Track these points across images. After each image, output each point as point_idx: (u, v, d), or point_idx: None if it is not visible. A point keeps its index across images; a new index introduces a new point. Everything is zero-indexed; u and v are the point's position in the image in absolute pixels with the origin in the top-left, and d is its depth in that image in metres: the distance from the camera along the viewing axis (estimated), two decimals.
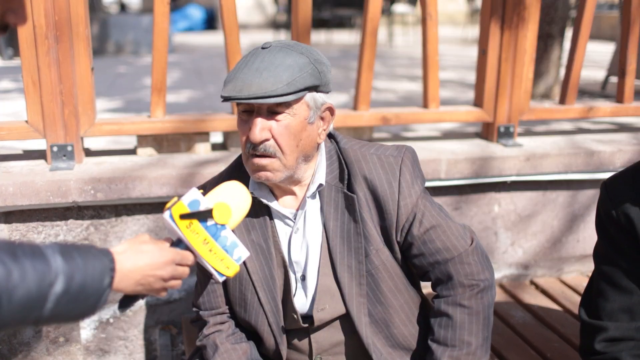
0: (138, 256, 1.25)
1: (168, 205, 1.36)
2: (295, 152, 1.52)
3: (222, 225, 1.36)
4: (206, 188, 1.69)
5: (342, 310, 1.65)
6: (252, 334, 1.76)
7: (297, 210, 1.64)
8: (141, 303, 2.60)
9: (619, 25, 4.70)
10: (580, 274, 3.10)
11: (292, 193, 1.64)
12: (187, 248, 1.35)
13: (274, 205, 1.63)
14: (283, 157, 1.51)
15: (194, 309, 1.79)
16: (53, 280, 1.07)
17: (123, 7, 18.72)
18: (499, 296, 2.84)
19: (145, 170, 2.47)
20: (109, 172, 2.43)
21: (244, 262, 1.64)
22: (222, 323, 1.74)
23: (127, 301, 1.34)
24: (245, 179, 1.62)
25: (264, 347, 1.72)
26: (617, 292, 1.59)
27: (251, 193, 1.59)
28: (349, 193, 1.61)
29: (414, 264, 1.68)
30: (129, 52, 9.11)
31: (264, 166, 1.52)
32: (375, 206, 1.62)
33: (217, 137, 3.03)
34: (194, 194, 1.37)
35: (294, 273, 1.67)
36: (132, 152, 2.75)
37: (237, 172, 1.69)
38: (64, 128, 2.46)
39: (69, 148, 2.48)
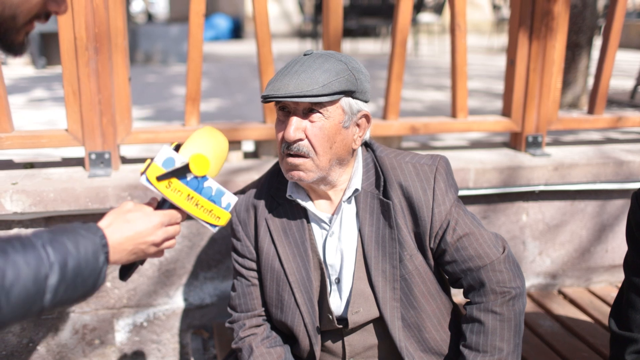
0: (125, 226, 1.24)
1: (142, 169, 1.32)
2: (329, 153, 1.57)
3: (203, 177, 1.33)
4: (245, 193, 1.75)
5: (376, 314, 1.69)
6: (286, 335, 1.81)
7: (333, 214, 1.69)
8: (165, 310, 2.66)
9: None
10: (609, 284, 3.09)
11: (328, 198, 1.69)
12: (173, 206, 1.32)
13: (310, 208, 1.68)
14: (316, 157, 1.56)
15: (230, 311, 1.84)
16: (47, 271, 1.07)
17: (150, 17, 18.99)
18: (527, 305, 2.84)
19: None
20: None
21: (281, 264, 1.69)
22: (258, 326, 1.79)
23: (125, 270, 1.34)
24: (283, 184, 1.69)
25: (299, 348, 1.76)
26: None
27: (289, 196, 1.66)
28: (385, 199, 1.66)
29: (447, 270, 1.71)
30: (158, 61, 9.26)
31: (297, 165, 1.57)
32: (410, 213, 1.66)
33: (248, 146, 3.09)
34: (167, 151, 1.32)
35: (329, 276, 1.71)
36: None
37: (275, 177, 1.75)
38: (102, 136, 2.54)
39: (107, 156, 2.55)
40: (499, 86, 6.28)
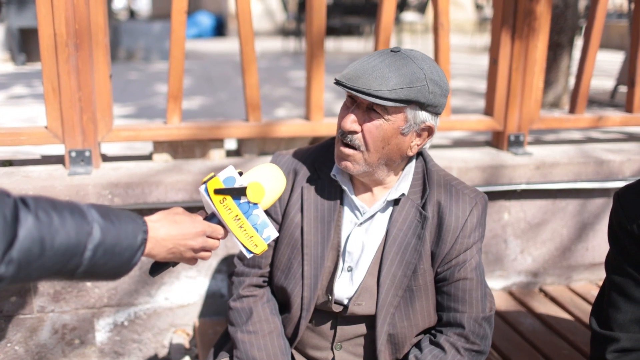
0: (171, 225, 1.31)
1: (204, 179, 1.42)
2: (380, 153, 1.58)
3: (255, 204, 1.42)
4: (291, 155, 1.79)
5: (374, 312, 1.71)
6: (281, 305, 1.82)
7: (370, 207, 1.71)
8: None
9: (628, 34, 4.72)
10: (589, 282, 3.12)
11: (370, 191, 1.71)
12: (219, 223, 1.41)
13: (350, 193, 1.70)
14: (366, 152, 1.58)
15: (236, 262, 1.85)
16: (90, 230, 1.14)
17: (132, 14, 18.86)
18: (509, 303, 2.86)
19: (162, 175, 2.51)
20: (126, 177, 2.48)
21: (302, 234, 1.72)
22: (258, 287, 1.81)
23: (157, 267, 1.42)
24: (329, 161, 1.72)
25: (287, 319, 1.78)
26: (629, 303, 1.60)
27: (333, 175, 1.70)
28: (424, 212, 1.68)
29: (436, 299, 1.75)
30: (140, 58, 9.19)
31: (347, 155, 1.60)
32: (437, 231, 1.68)
33: (231, 144, 3.07)
34: (230, 171, 1.43)
35: (343, 261, 1.73)
36: (148, 157, 2.79)
37: (325, 152, 1.78)
38: (82, 134, 2.51)
39: (87, 153, 2.52)
40: (482, 85, 6.32)
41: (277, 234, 1.48)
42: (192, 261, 1.39)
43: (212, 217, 1.42)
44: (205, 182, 1.41)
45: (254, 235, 1.42)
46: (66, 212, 1.12)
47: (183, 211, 1.37)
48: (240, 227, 1.41)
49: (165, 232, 1.29)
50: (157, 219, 1.31)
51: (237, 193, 1.40)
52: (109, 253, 1.17)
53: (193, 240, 1.34)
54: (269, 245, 1.48)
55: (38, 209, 1.08)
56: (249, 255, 1.45)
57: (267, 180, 1.46)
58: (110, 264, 1.18)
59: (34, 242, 1.06)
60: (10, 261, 1.03)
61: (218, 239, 1.40)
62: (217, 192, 1.39)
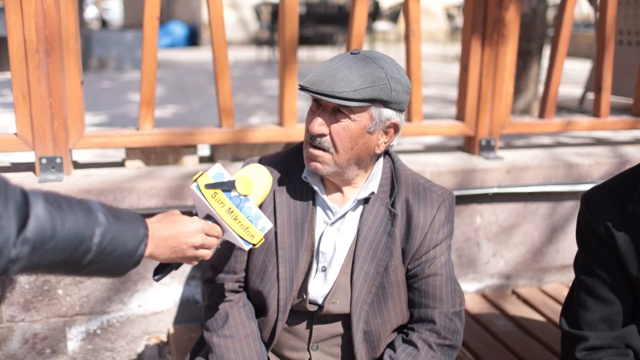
0: (172, 225, 1.38)
1: (194, 177, 1.48)
2: (349, 153, 1.62)
3: (245, 196, 1.49)
4: (261, 161, 1.81)
5: (348, 310, 1.72)
6: (257, 309, 1.82)
7: (341, 207, 1.73)
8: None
9: (594, 43, 4.83)
10: (560, 283, 3.17)
11: (340, 191, 1.74)
12: (215, 222, 1.47)
13: (321, 194, 1.73)
14: (335, 154, 1.61)
15: (209, 269, 1.86)
16: (96, 218, 1.18)
17: (104, 24, 18.72)
18: (482, 305, 2.89)
19: (134, 182, 2.49)
20: (98, 184, 2.45)
21: (275, 237, 1.74)
22: (234, 292, 1.81)
23: (160, 270, 1.47)
24: (299, 164, 1.75)
25: (263, 323, 1.77)
26: (597, 303, 1.64)
27: (304, 177, 1.72)
28: (393, 209, 1.71)
29: (407, 296, 1.76)
30: (112, 68, 9.12)
31: (316, 157, 1.63)
32: (406, 228, 1.71)
33: (204, 151, 3.06)
34: (218, 168, 1.50)
35: (317, 262, 1.74)
36: (120, 164, 2.77)
37: (295, 155, 1.80)
38: (53, 140, 2.48)
39: (58, 160, 2.50)
40: (454, 93, 6.39)
41: (272, 225, 1.53)
42: (194, 260, 1.44)
43: (207, 218, 1.48)
44: (195, 180, 1.47)
45: (249, 226, 1.48)
46: (72, 200, 1.17)
47: (179, 213, 1.44)
48: (235, 219, 1.47)
49: (167, 231, 1.36)
50: (158, 220, 1.37)
51: (227, 186, 1.47)
52: (115, 241, 1.20)
53: (193, 238, 1.40)
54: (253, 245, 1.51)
55: (46, 195, 1.12)
56: (246, 247, 1.49)
57: (254, 175, 1.53)
58: (116, 253, 1.22)
59: (46, 222, 1.09)
60: (24, 241, 1.06)
61: (215, 237, 1.46)
62: (208, 187, 1.46)
